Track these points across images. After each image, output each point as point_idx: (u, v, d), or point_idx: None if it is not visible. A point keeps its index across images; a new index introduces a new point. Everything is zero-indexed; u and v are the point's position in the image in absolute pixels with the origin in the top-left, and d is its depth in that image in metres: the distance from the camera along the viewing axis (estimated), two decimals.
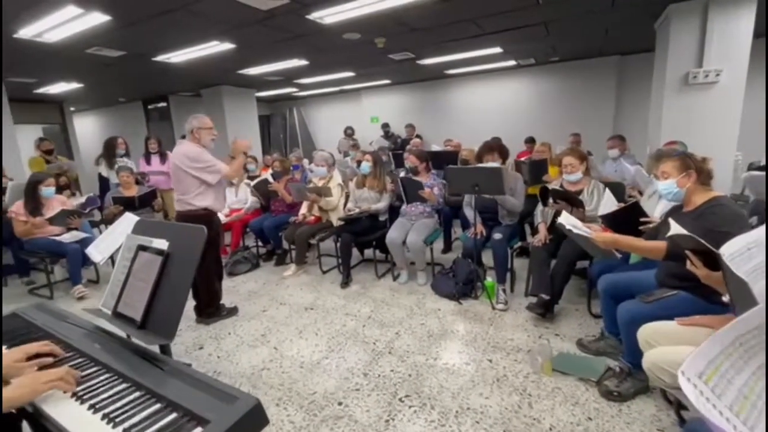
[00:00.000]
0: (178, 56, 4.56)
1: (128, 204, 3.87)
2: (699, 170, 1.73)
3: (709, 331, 1.45)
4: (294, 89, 8.09)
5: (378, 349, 2.47)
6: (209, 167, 2.66)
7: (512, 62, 6.42)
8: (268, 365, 2.36)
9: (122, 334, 1.24)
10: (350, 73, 6.52)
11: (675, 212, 1.89)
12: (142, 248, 1.31)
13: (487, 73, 7.32)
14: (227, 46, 4.20)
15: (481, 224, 3.11)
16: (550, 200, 2.76)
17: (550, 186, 2.78)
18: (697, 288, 1.71)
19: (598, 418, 1.78)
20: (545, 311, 2.64)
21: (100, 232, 4.34)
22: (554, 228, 2.89)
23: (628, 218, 2.20)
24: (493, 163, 3.13)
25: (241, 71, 5.68)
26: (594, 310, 2.73)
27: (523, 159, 4.70)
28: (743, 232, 1.18)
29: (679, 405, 1.71)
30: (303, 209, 4.14)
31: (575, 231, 1.87)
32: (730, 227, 1.51)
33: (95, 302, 3.38)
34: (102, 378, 0.99)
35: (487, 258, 3.24)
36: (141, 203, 3.98)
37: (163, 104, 8.26)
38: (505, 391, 1.99)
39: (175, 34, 3.72)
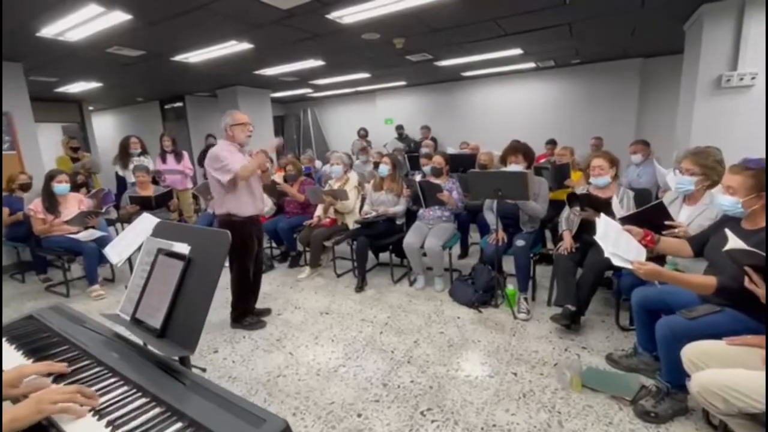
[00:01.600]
0: (196, 56, 4.57)
1: (145, 204, 3.87)
2: None
3: (762, 353, 1.34)
4: (309, 90, 8.08)
5: (396, 357, 2.39)
6: (222, 166, 2.53)
7: (531, 64, 6.29)
8: (284, 371, 2.30)
9: (141, 342, 1.19)
10: (366, 74, 6.47)
11: (731, 223, 1.74)
12: (163, 252, 1.25)
13: (505, 75, 7.20)
14: (245, 46, 4.18)
15: (501, 230, 3.02)
16: (577, 207, 2.65)
17: (578, 191, 2.65)
18: (746, 305, 1.60)
19: None
20: (571, 322, 2.52)
21: (117, 231, 4.35)
22: (580, 235, 2.79)
23: (652, 220, 2.09)
24: (516, 166, 3.03)
25: (257, 72, 5.67)
26: (622, 323, 2.61)
27: (541, 162, 4.58)
28: None
29: (725, 429, 1.59)
30: (318, 211, 4.09)
31: (615, 260, 1.73)
32: None
33: (111, 303, 3.37)
34: (120, 391, 0.93)
35: (507, 265, 3.13)
36: (157, 203, 3.97)
37: (179, 104, 8.32)
38: (533, 407, 1.89)
39: (194, 33, 3.71)
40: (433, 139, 7.45)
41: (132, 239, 1.99)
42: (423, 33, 4.00)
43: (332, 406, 1.97)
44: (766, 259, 1.12)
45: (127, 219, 3.83)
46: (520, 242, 2.91)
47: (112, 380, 0.97)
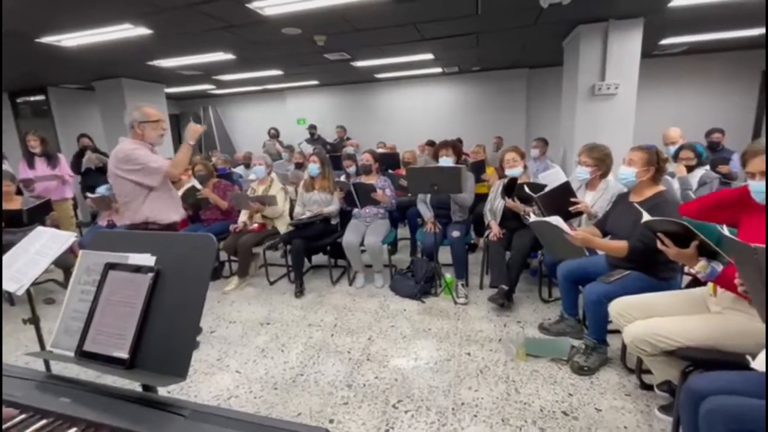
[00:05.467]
0: (72, 39, 3.80)
1: (13, 220, 3.10)
2: (658, 168, 1.99)
3: (675, 302, 1.69)
4: (211, 86, 7.38)
5: (354, 357, 2.36)
6: (143, 166, 2.21)
7: (439, 69, 6.76)
8: (234, 392, 2.08)
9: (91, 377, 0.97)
10: (278, 72, 6.19)
11: (622, 200, 2.16)
12: (116, 267, 1.03)
13: (415, 78, 7.61)
14: (141, 31, 3.63)
15: (434, 221, 3.20)
16: (514, 198, 2.91)
17: (520, 181, 2.93)
18: (643, 268, 1.99)
19: (576, 392, 1.94)
20: (505, 300, 2.81)
21: None
22: (504, 223, 3.12)
23: (560, 198, 2.47)
24: (447, 158, 3.25)
25: (151, 62, 4.98)
26: (544, 296, 2.99)
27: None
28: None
29: (640, 370, 1.95)
30: (242, 217, 3.78)
31: (563, 232, 1.99)
32: (677, 216, 1.78)
33: (26, 338, 2.60)
34: None
35: (442, 256, 3.32)
36: (31, 218, 3.21)
37: (39, 97, 6.83)
38: (491, 381, 2.06)
39: (76, 10, 3.08)
40: (349, 139, 7.50)
41: (32, 260, 1.58)
42: (346, 32, 3.99)
43: (300, 417, 1.86)
44: (675, 225, 1.42)
45: None
46: (455, 233, 3.12)
47: None
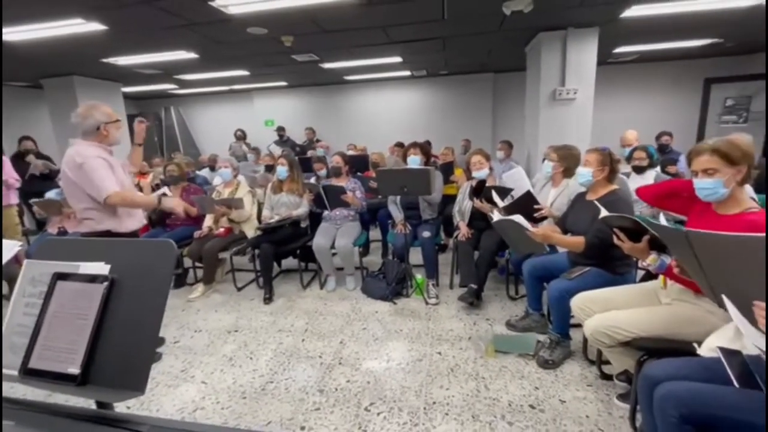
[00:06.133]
0: (17, 33, 3.55)
1: None
2: (612, 169, 2.11)
3: (630, 296, 1.79)
4: (173, 86, 7.09)
5: (326, 361, 2.33)
6: (92, 185, 2.09)
7: (407, 72, 6.83)
8: (201, 404, 2.00)
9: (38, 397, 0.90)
10: (244, 72, 6.04)
11: (580, 199, 2.27)
12: (64, 278, 0.97)
13: (384, 81, 7.66)
14: (95, 26, 3.44)
15: (404, 223, 3.22)
16: (482, 199, 2.97)
17: (488, 183, 3.01)
18: (601, 264, 2.10)
19: (542, 386, 2.01)
20: (475, 299, 2.87)
21: None
22: (473, 223, 3.19)
23: (526, 204, 2.57)
24: (415, 157, 3.29)
25: (106, 60, 4.72)
26: (511, 294, 3.09)
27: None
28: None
29: (600, 361, 2.05)
30: (208, 221, 3.66)
31: (525, 229, 2.08)
32: (631, 212, 1.89)
33: None
34: None
35: (412, 257, 3.35)
36: None
37: None
38: (462, 378, 2.10)
39: (18, 1, 2.87)
40: (318, 141, 7.44)
41: None
42: (314, 33, 3.95)
43: (270, 426, 1.82)
44: (630, 220, 1.51)
45: None
46: (426, 233, 3.16)
47: None
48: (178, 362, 2.40)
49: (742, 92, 6.48)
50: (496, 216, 2.34)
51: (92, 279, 0.96)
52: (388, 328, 2.70)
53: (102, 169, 2.10)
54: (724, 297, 1.03)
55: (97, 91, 6.10)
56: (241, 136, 7.80)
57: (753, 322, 1.01)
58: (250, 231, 3.55)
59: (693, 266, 1.19)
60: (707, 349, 1.34)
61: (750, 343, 1.10)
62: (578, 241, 2.06)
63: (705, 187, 1.40)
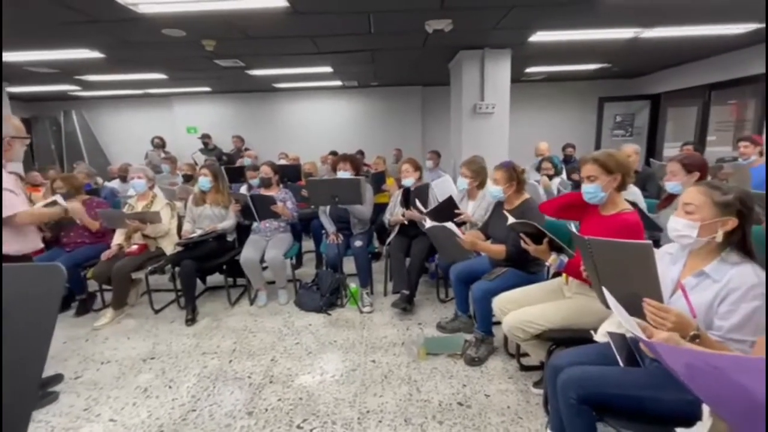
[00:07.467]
0: None
1: None
2: (519, 181, 2.30)
3: (540, 292, 1.97)
4: (74, 87, 6.31)
5: (255, 381, 2.22)
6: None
7: (339, 83, 6.87)
8: None
9: None
10: (162, 76, 5.59)
11: (498, 208, 2.46)
12: None
13: (316, 90, 7.61)
14: None
15: (336, 233, 3.22)
16: (411, 207, 3.07)
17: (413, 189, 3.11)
18: (517, 265, 2.29)
19: (470, 383, 2.12)
20: (407, 304, 2.95)
21: None
22: (404, 230, 3.29)
23: (447, 210, 2.73)
24: (345, 172, 3.30)
25: None
26: (441, 297, 3.22)
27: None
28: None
29: (519, 354, 2.23)
30: (117, 238, 3.29)
31: (454, 236, 2.20)
32: (540, 220, 2.10)
33: None
34: None
35: (347, 266, 3.35)
36: None
37: None
38: (395, 384, 2.13)
39: None
40: (247, 149, 7.12)
41: None
42: (237, 39, 3.80)
43: None
44: (532, 227, 1.68)
45: None
46: (358, 242, 3.18)
47: None
48: (80, 400, 2.11)
49: (627, 110, 7.58)
50: (428, 223, 2.44)
51: None
52: (322, 340, 2.66)
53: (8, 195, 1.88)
54: (603, 289, 1.18)
55: None
56: (159, 144, 7.17)
57: (637, 313, 1.17)
58: (169, 247, 3.27)
59: (589, 264, 1.36)
60: (601, 335, 1.52)
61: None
62: (500, 249, 2.22)
63: (588, 191, 1.64)
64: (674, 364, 0.76)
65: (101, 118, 8.01)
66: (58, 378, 2.27)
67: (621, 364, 1.28)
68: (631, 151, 3.53)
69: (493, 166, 2.42)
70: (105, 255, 3.12)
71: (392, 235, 3.26)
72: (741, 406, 0.58)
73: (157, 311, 3.21)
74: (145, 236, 3.27)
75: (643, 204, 2.62)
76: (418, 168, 3.34)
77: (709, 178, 2.33)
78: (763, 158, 3.31)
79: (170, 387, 2.20)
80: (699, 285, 1.21)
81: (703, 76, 5.80)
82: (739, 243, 1.17)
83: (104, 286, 3.27)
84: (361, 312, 3.04)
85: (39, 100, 7.52)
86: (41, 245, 2.37)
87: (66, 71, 5.04)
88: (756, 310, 1.09)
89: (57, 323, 2.28)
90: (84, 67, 4.78)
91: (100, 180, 5.72)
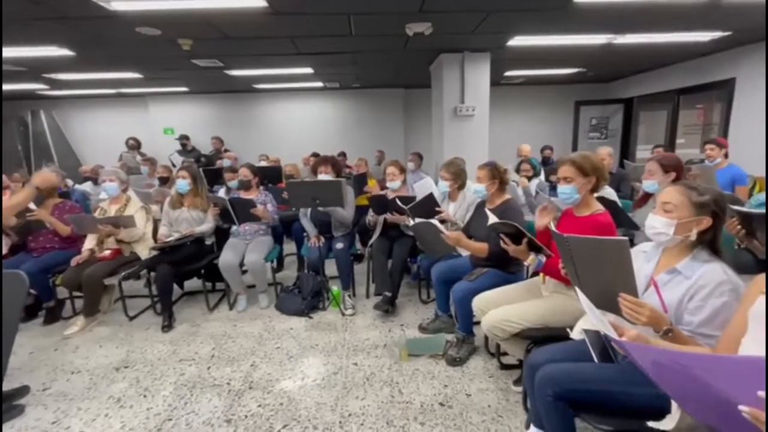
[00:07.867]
0: None
1: None
2: (501, 180, 2.34)
3: (519, 292, 2.00)
4: (42, 86, 6.06)
5: (235, 388, 2.17)
6: None
7: (320, 84, 6.83)
8: None
9: None
10: (136, 75, 5.43)
11: (480, 207, 2.49)
12: None
13: (298, 91, 7.54)
14: None
15: (317, 235, 3.19)
16: (392, 212, 3.07)
17: (399, 193, 3.11)
18: (497, 266, 2.32)
19: (451, 383, 2.14)
20: (389, 306, 2.95)
21: None
22: (385, 232, 3.29)
23: (427, 207, 2.75)
24: (326, 175, 3.27)
25: None
26: (423, 298, 3.23)
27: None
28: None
29: (499, 353, 2.25)
30: (89, 243, 3.17)
31: (439, 232, 2.21)
32: (521, 220, 2.14)
33: None
34: None
35: (328, 269, 3.32)
36: None
37: None
38: (377, 386, 2.12)
39: None
40: (227, 151, 7.00)
41: None
42: (215, 38, 3.73)
43: None
44: (513, 226, 1.70)
45: None
46: (339, 245, 3.16)
47: None
48: (48, 413, 2.02)
49: (602, 113, 7.82)
50: (413, 221, 2.45)
51: None
52: (304, 344, 2.63)
53: None
54: (577, 290, 1.21)
55: None
56: (134, 146, 6.97)
57: (614, 308, 1.20)
58: (144, 252, 3.17)
59: (568, 262, 1.39)
60: (577, 332, 1.56)
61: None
62: (483, 247, 2.25)
63: (563, 192, 1.68)
64: (642, 361, 0.79)
65: (72, 118, 7.72)
66: (24, 390, 2.17)
67: (596, 360, 1.31)
68: (606, 154, 3.65)
69: (476, 167, 2.46)
70: (75, 260, 3.01)
71: (374, 237, 3.26)
72: (703, 399, 0.60)
73: (131, 318, 3.11)
74: (118, 241, 3.16)
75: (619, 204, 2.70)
76: (403, 171, 3.35)
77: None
78: (728, 160, 3.47)
79: (145, 396, 2.13)
80: (671, 281, 1.25)
81: (673, 81, 6.05)
82: (710, 242, 1.23)
83: (75, 293, 3.14)
84: (343, 315, 3.02)
85: (5, 99, 7.17)
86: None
87: (33, 69, 4.83)
88: (723, 305, 1.13)
89: (23, 332, 2.23)
90: (53, 65, 4.60)
91: (70, 182, 5.51)
